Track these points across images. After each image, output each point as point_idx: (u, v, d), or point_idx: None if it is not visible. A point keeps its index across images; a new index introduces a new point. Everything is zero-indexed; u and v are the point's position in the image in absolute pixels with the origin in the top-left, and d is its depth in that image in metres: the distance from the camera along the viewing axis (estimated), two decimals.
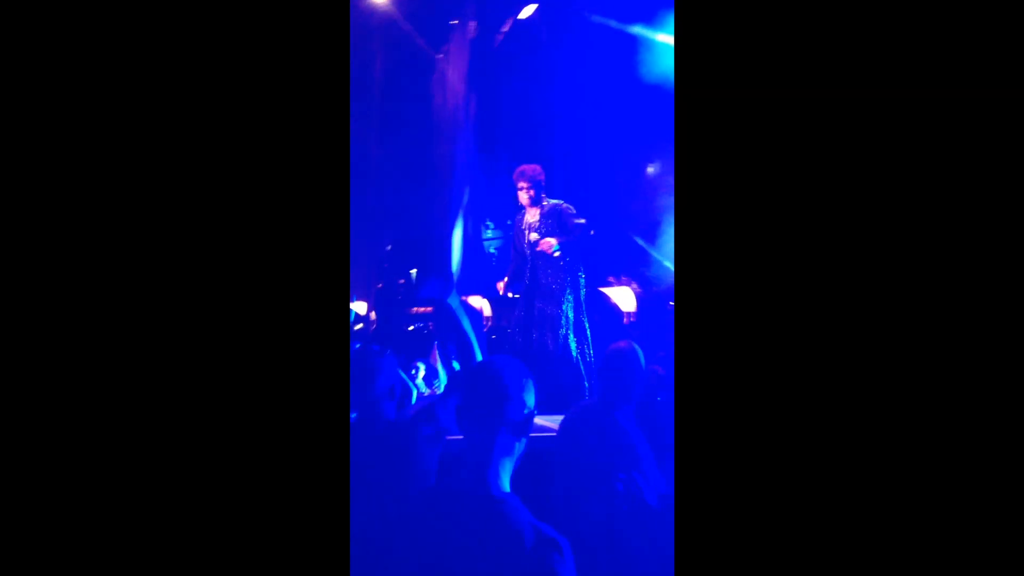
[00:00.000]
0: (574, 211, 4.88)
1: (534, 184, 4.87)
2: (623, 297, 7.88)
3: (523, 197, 4.93)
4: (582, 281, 4.91)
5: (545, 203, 4.90)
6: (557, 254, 4.76)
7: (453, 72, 7.66)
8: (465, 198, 7.39)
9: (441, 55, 8.09)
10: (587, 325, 4.91)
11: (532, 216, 4.95)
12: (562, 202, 4.94)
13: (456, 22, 7.67)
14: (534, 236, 4.87)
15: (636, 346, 2.83)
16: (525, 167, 4.92)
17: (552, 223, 4.85)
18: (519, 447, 1.57)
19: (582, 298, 4.91)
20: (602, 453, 2.60)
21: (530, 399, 1.57)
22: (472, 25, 7.41)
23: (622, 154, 6.47)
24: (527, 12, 7.21)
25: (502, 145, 7.69)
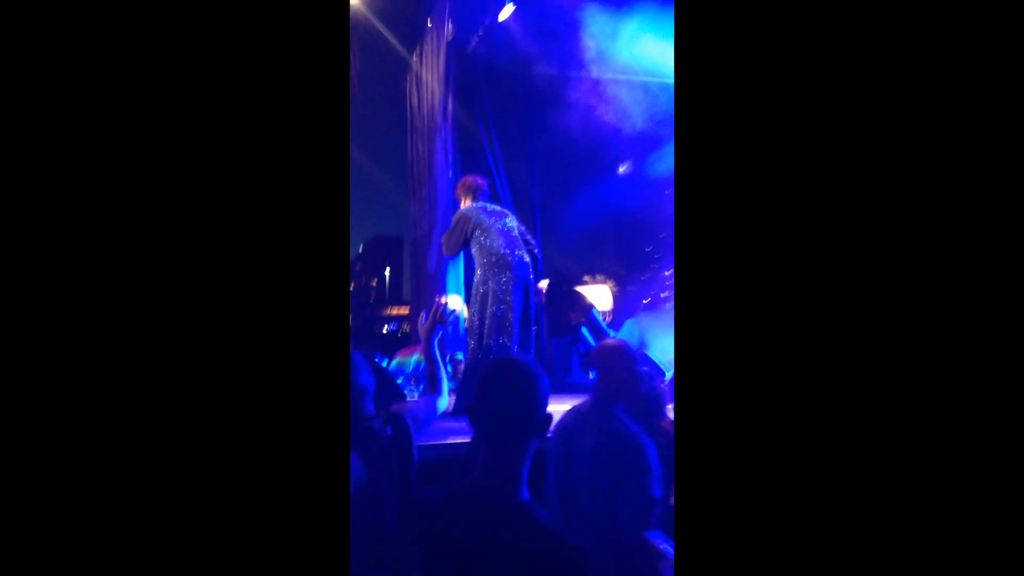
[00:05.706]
0: (530, 238, 4.63)
1: (483, 198, 4.64)
2: (599, 296, 7.90)
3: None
4: (526, 286, 4.53)
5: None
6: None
7: (429, 74, 7.64)
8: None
9: (416, 58, 8.05)
10: (536, 326, 4.59)
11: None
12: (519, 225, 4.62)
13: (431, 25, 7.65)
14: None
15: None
16: (474, 179, 4.71)
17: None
18: (532, 450, 1.48)
19: (527, 297, 4.52)
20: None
21: (547, 399, 1.49)
22: (448, 27, 7.39)
23: (607, 156, 6.49)
24: (505, 13, 7.21)
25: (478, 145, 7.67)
